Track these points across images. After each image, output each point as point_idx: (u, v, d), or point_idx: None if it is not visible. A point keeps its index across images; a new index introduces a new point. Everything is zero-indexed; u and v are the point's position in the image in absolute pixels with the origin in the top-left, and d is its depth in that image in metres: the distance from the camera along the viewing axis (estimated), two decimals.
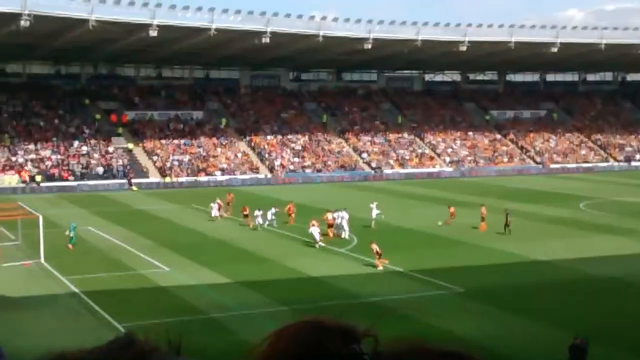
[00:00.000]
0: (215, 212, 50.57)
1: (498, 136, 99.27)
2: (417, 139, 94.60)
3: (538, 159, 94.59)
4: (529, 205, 57.46)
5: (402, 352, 1.28)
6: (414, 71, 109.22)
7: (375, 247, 35.32)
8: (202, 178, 76.02)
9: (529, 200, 60.78)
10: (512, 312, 28.10)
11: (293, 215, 48.85)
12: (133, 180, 72.20)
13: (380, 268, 34.83)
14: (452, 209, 48.83)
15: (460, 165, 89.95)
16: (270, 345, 1.40)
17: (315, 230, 40.56)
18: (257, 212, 46.64)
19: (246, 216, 48.10)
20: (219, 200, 52.25)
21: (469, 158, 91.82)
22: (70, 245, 39.65)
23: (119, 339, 1.31)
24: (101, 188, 69.19)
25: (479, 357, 1.31)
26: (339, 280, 33.14)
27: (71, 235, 39.98)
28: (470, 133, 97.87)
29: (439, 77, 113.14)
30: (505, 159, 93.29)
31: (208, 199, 56.37)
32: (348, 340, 1.30)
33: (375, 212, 47.64)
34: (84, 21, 65.57)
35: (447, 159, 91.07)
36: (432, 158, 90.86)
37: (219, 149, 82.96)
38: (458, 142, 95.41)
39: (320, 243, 40.39)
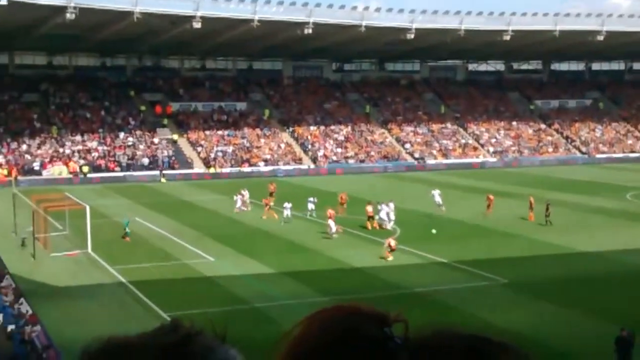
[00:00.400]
0: (239, 204, 50.40)
1: (543, 126, 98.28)
2: (460, 129, 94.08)
3: (583, 149, 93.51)
4: (574, 195, 56.92)
5: (429, 336, 1.30)
6: (457, 61, 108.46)
7: (391, 242, 35.40)
8: (246, 169, 76.48)
9: (574, 190, 60.18)
10: (556, 304, 27.94)
11: (345, 205, 48.98)
12: (170, 172, 72.92)
13: (390, 259, 34.93)
14: (491, 197, 48.72)
15: (504, 155, 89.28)
16: (302, 329, 1.40)
17: (331, 221, 40.97)
18: (286, 205, 46.28)
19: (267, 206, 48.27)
20: (243, 192, 52.06)
21: (512, 148, 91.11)
22: (127, 238, 39.88)
23: (164, 324, 1.36)
24: (147, 179, 69.89)
25: (511, 344, 1.30)
26: (382, 271, 33.22)
27: (127, 230, 40.24)
28: (514, 123, 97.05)
29: (482, 67, 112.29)
30: (550, 149, 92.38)
31: (252, 190, 56.68)
32: (380, 325, 1.32)
33: (438, 199, 47.90)
34: (129, 13, 66.34)
35: (491, 149, 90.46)
36: (475, 148, 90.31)
37: (262, 140, 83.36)
38: (502, 132, 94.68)
39: (334, 234, 40.57)
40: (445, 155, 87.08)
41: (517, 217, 46.61)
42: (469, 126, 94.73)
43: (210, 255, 36.50)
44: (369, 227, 43.06)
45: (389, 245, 35.08)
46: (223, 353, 1.36)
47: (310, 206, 47.14)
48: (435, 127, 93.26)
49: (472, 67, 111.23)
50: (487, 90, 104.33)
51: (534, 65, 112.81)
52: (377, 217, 43.77)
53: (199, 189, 63.39)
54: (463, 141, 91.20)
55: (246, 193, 52.09)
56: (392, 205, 44.40)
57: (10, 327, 25.52)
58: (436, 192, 48.37)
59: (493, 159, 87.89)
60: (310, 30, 74.71)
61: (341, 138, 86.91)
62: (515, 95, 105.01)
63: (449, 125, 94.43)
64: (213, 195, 59.07)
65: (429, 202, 48.97)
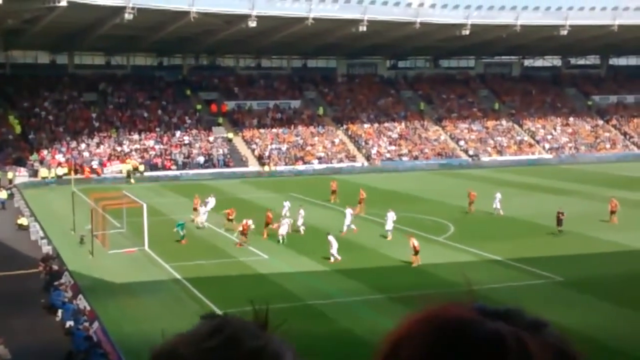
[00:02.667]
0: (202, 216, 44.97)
1: (600, 122, 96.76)
2: (516, 126, 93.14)
3: None
4: (632, 192, 55.93)
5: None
6: (512, 57, 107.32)
7: (414, 242, 34.36)
8: (300, 166, 76.78)
9: (632, 187, 59.13)
10: (614, 303, 27.56)
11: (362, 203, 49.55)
12: (224, 170, 73.52)
13: (415, 265, 33.87)
14: (472, 193, 47.87)
15: (560, 152, 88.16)
16: (408, 327, 1.23)
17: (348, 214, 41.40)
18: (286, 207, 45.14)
19: (230, 220, 43.32)
20: (208, 200, 47.77)
21: (569, 145, 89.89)
22: (183, 241, 39.41)
23: (207, 322, 1.27)
24: (202, 177, 70.56)
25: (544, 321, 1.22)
26: (436, 269, 33.12)
27: (182, 233, 39.81)
28: (571, 119, 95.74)
29: (538, 62, 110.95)
30: (608, 146, 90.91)
31: (307, 188, 57.04)
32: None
33: (497, 203, 47.01)
34: (185, 13, 67.12)
35: (547, 145, 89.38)
36: (531, 145, 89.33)
37: (316, 138, 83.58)
38: (558, 128, 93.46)
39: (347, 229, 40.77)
40: (500, 152, 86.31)
41: (573, 214, 45.96)
42: (525, 123, 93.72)
43: (265, 253, 36.77)
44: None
45: (414, 247, 34.11)
46: (271, 353, 1.27)
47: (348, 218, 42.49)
48: (490, 124, 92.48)
49: (528, 62, 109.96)
50: (543, 86, 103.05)
51: (592, 60, 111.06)
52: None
53: (253, 187, 63.79)
54: (518, 138, 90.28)
55: (211, 200, 47.34)
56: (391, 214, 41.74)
57: (69, 323, 26.11)
58: (498, 195, 47.54)
59: (549, 156, 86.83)
60: (364, 28, 74.75)
61: (395, 135, 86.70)
62: (572, 91, 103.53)
63: (504, 122, 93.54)
64: (267, 193, 59.39)
65: (482, 200, 48.34)
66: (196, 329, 1.26)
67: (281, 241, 38.91)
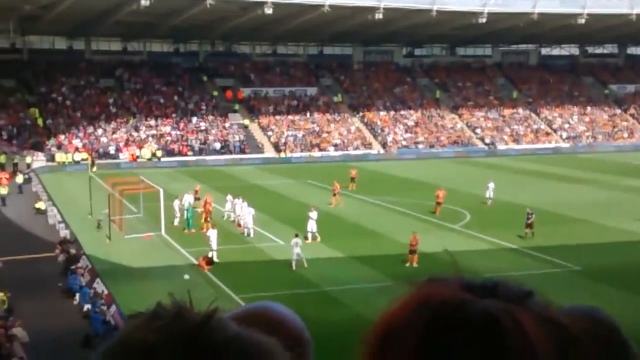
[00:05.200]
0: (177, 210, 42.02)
1: (618, 111, 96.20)
2: (533, 114, 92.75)
3: None
4: None
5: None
6: (529, 45, 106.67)
7: (415, 238, 32.72)
8: (316, 153, 76.81)
9: None
10: (632, 292, 27.49)
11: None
12: (241, 156, 73.60)
13: (408, 265, 32.26)
14: (439, 192, 44.14)
15: (577, 141, 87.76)
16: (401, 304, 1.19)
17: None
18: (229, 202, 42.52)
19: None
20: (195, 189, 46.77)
21: (586, 134, 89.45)
22: (189, 230, 39.30)
23: (160, 309, 1.17)
24: (218, 163, 70.80)
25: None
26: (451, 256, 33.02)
27: (187, 216, 39.79)
28: (588, 108, 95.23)
29: (555, 51, 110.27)
30: (625, 135, 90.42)
31: (323, 175, 57.09)
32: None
33: (491, 193, 46.84)
34: (201, 0, 67.07)
35: (564, 134, 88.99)
36: (547, 134, 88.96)
37: (332, 125, 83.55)
38: (575, 117, 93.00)
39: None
40: (516, 141, 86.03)
41: (589, 203, 45.84)
42: (542, 111, 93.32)
43: (280, 239, 36.87)
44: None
45: (411, 244, 32.38)
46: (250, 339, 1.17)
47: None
48: (506, 112, 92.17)
49: (545, 51, 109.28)
50: (561, 75, 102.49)
51: (609, 49, 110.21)
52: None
53: (269, 173, 63.91)
54: (535, 126, 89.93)
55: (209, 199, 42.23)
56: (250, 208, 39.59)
57: (87, 307, 26.35)
58: (491, 185, 47.33)
59: (566, 145, 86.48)
60: (380, 15, 74.43)
61: (411, 123, 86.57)
62: (589, 80, 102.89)
63: (520, 110, 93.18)
64: (283, 180, 59.56)
65: (496, 188, 48.10)
66: (146, 317, 1.16)
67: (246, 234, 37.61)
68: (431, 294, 1.16)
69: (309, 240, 35.98)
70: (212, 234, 34.02)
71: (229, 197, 43.14)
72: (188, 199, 41.68)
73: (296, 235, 32.66)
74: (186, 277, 25.33)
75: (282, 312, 1.65)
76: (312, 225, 36.98)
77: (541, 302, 1.14)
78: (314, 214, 37.48)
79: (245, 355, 1.10)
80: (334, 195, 46.88)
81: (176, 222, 40.62)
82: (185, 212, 40.36)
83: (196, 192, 46.45)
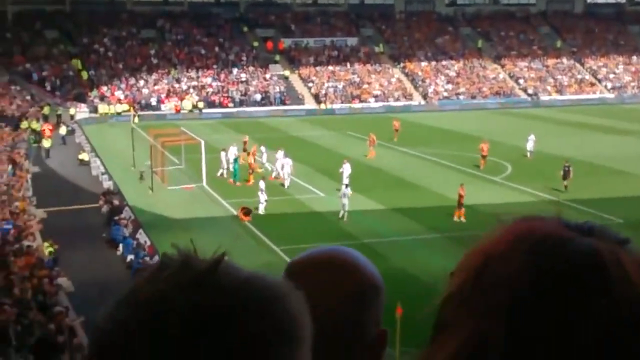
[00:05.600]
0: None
1: None
2: (577, 64, 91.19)
3: None
4: None
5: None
6: None
7: (461, 191, 32.27)
8: (356, 105, 76.49)
9: None
10: None
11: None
12: (281, 107, 73.53)
13: (458, 217, 31.80)
14: (483, 145, 43.54)
15: (622, 91, 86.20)
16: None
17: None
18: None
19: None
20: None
21: (632, 84, 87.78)
22: (235, 182, 39.50)
23: (166, 260, 1.14)
24: (259, 114, 70.88)
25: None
26: (492, 208, 32.80)
27: (234, 168, 39.94)
28: (634, 58, 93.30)
29: None
30: None
31: (363, 126, 56.86)
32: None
33: (531, 145, 46.21)
34: None
35: (609, 85, 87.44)
36: (592, 84, 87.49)
37: (372, 76, 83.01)
38: (621, 67, 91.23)
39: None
40: (560, 92, 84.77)
41: (633, 155, 45.14)
42: (586, 61, 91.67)
43: (321, 191, 36.99)
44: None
45: (459, 197, 32.10)
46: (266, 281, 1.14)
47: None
48: (550, 62, 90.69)
49: None
50: (607, 24, 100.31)
51: None
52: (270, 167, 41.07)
53: (309, 125, 63.86)
54: (579, 77, 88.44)
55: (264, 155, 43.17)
56: (288, 159, 39.71)
57: (130, 257, 26.79)
58: (531, 138, 46.54)
59: (611, 95, 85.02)
60: None
61: (452, 74, 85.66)
62: (636, 29, 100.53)
63: (564, 60, 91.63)
64: (323, 131, 59.51)
65: (538, 139, 47.49)
66: (152, 270, 1.14)
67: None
68: (533, 227, 1.13)
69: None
70: (262, 184, 34.15)
71: (263, 148, 43.14)
72: (234, 150, 41.49)
73: (346, 186, 32.66)
74: None
75: (354, 257, 1.69)
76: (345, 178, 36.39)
77: (638, 249, 1.13)
78: (346, 167, 37.04)
79: (256, 299, 1.08)
80: (370, 146, 46.78)
81: (219, 173, 40.82)
82: (232, 164, 40.51)
83: (244, 143, 46.29)
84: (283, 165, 39.25)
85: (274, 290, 1.11)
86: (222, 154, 41.49)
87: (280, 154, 40.43)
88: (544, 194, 35.71)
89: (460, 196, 31.72)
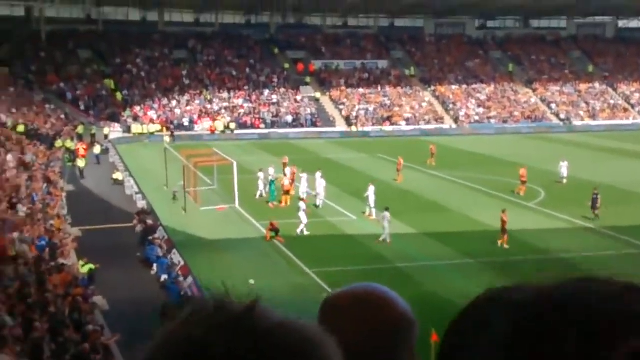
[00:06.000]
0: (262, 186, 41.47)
1: None
2: (609, 89, 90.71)
3: None
4: None
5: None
6: (606, 17, 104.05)
7: (504, 217, 31.28)
8: (387, 127, 76.50)
9: None
10: None
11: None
12: (312, 129, 73.72)
13: (501, 244, 31.00)
14: (522, 171, 42.52)
15: None
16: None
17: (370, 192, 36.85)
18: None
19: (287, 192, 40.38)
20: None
21: None
22: (272, 204, 39.35)
23: (197, 305, 1.15)
24: (290, 136, 71.12)
25: None
26: (527, 235, 32.74)
27: (271, 189, 39.99)
28: None
29: (633, 23, 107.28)
30: None
31: (394, 149, 56.82)
32: None
33: (564, 171, 45.66)
34: None
35: None
36: (625, 110, 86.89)
37: (403, 99, 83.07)
38: None
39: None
40: (592, 117, 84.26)
41: None
42: (619, 86, 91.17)
43: (353, 214, 36.95)
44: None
45: (503, 223, 31.20)
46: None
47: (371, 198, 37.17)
48: (582, 86, 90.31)
49: (622, 23, 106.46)
50: (638, 48, 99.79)
51: None
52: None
53: (340, 147, 63.94)
54: (612, 102, 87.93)
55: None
56: (322, 180, 39.64)
57: (164, 277, 26.87)
58: (564, 164, 45.99)
59: None
60: None
61: (483, 97, 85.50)
62: None
63: (597, 85, 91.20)
64: (354, 154, 59.54)
65: (572, 165, 47.07)
66: (186, 314, 1.14)
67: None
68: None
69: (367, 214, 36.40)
70: (302, 205, 34.11)
71: (304, 175, 41.79)
72: (271, 172, 41.26)
73: (386, 209, 32.54)
74: (251, 282, 25.21)
75: (388, 293, 1.76)
76: (371, 201, 36.58)
77: None
78: (371, 189, 36.82)
79: (289, 343, 1.08)
80: (398, 170, 46.65)
81: (258, 194, 40.89)
82: (269, 185, 40.53)
83: (284, 165, 45.79)
84: (317, 186, 39.30)
85: (308, 335, 1.11)
86: (260, 175, 41.54)
87: (318, 174, 40.39)
88: (578, 220, 35.39)
89: (504, 222, 31.22)
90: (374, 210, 36.19)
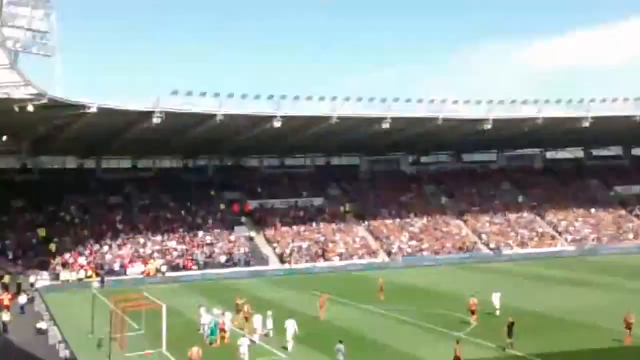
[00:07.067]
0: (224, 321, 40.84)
1: (623, 212, 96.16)
2: (538, 218, 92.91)
3: None
4: None
5: None
6: (534, 149, 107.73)
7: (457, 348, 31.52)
8: (320, 264, 76.60)
9: None
10: None
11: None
12: (245, 269, 73.44)
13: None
14: (472, 301, 43.29)
15: (582, 243, 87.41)
16: None
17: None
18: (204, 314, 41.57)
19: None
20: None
21: (592, 236, 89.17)
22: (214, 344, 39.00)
23: None
24: (223, 276, 70.69)
25: None
26: None
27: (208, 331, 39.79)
28: (592, 210, 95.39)
29: (560, 154, 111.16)
30: (631, 236, 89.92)
31: (327, 285, 56.74)
32: None
33: (497, 302, 45.94)
34: (212, 116, 67.86)
35: (569, 237, 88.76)
36: (553, 237, 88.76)
37: (337, 234, 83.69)
38: (580, 219, 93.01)
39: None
40: (522, 245, 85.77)
41: (594, 307, 45.25)
42: (547, 214, 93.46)
43: (283, 353, 36.41)
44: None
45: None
46: None
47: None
48: (511, 216, 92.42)
49: (550, 154, 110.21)
50: (566, 178, 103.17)
51: (614, 150, 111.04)
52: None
53: (274, 285, 63.72)
54: (540, 230, 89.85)
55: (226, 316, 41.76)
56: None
57: None
58: (497, 295, 46.41)
59: (571, 248, 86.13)
60: (387, 125, 74.97)
61: (416, 230, 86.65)
62: (594, 182, 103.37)
63: (525, 214, 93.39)
64: (288, 292, 59.32)
65: (504, 294, 47.57)
66: None
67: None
68: None
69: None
70: (244, 342, 34.05)
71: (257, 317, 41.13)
72: (215, 312, 42.21)
73: (340, 342, 32.38)
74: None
75: None
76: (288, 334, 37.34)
77: None
78: (289, 323, 37.67)
79: None
80: (320, 307, 46.53)
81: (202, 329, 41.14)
82: (207, 326, 40.29)
83: (237, 305, 45.37)
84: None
85: None
86: (202, 310, 42.30)
87: (269, 313, 41.01)
88: (509, 349, 35.35)
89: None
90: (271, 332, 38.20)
